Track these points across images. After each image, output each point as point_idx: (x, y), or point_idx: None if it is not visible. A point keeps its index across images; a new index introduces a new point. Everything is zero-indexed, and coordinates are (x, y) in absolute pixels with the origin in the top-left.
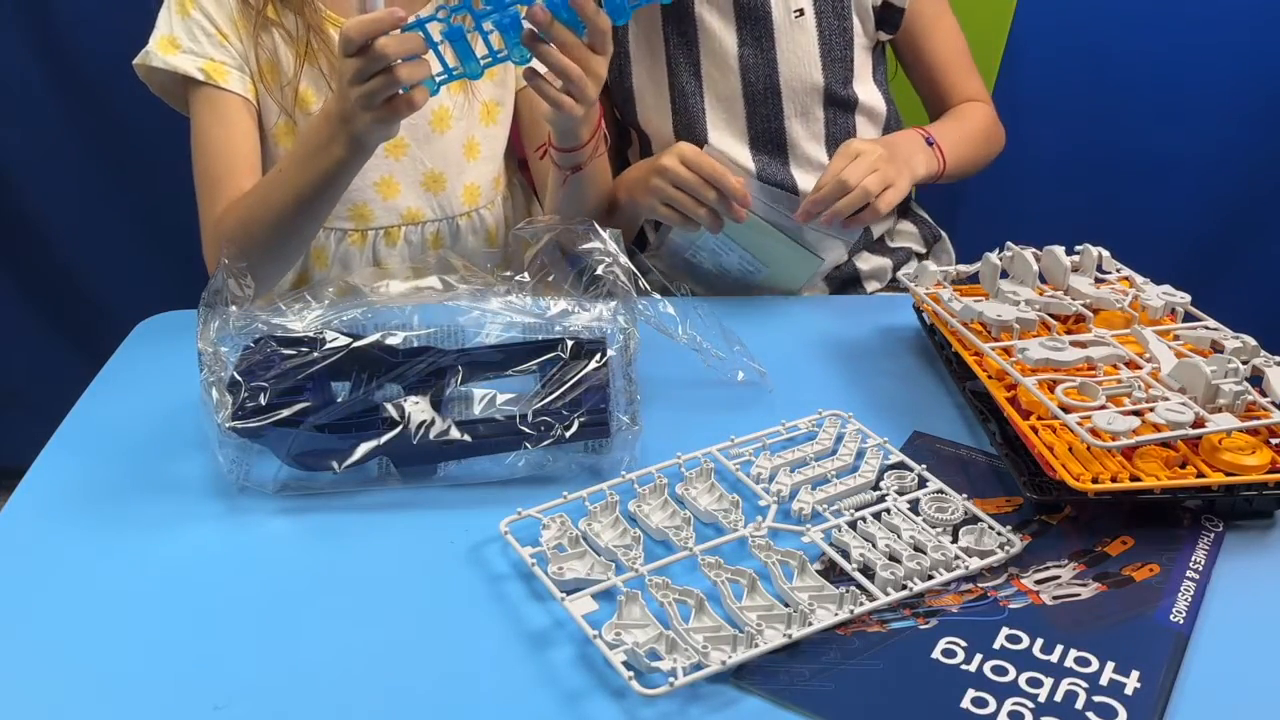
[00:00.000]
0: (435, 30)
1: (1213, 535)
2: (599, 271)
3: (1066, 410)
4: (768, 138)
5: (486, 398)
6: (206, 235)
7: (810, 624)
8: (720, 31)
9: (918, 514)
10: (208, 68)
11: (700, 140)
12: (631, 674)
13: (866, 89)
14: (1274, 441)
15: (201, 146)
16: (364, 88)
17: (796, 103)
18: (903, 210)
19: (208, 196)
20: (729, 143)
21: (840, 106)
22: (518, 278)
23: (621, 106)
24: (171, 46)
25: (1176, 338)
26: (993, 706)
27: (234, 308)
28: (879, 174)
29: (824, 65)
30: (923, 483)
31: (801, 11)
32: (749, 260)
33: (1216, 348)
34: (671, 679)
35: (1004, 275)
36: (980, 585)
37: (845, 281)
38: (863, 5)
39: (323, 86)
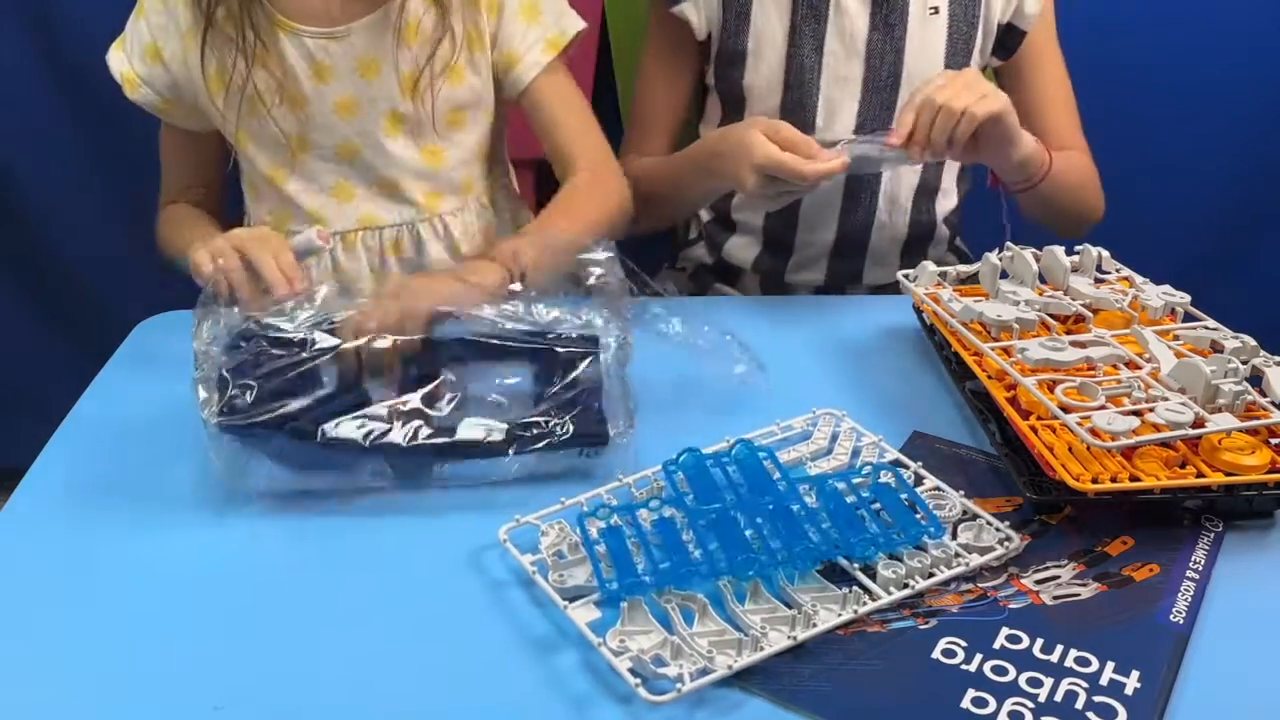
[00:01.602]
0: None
1: (1213, 535)
2: (591, 282)
3: (1066, 410)
4: (875, 127)
5: (482, 399)
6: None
7: (814, 625)
8: (854, 11)
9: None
10: (125, 74)
11: (809, 119)
12: (638, 681)
13: None
14: (1274, 441)
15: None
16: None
17: None
18: (950, 244)
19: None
20: (836, 128)
21: None
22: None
23: (723, 67)
24: (119, 44)
25: (1176, 338)
26: (993, 706)
27: (233, 308)
28: (972, 90)
29: (946, 66)
30: (919, 480)
31: (937, 10)
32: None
33: (1216, 348)
34: (679, 685)
35: (1004, 275)
36: (980, 585)
37: None
38: (990, 20)
39: (273, 88)
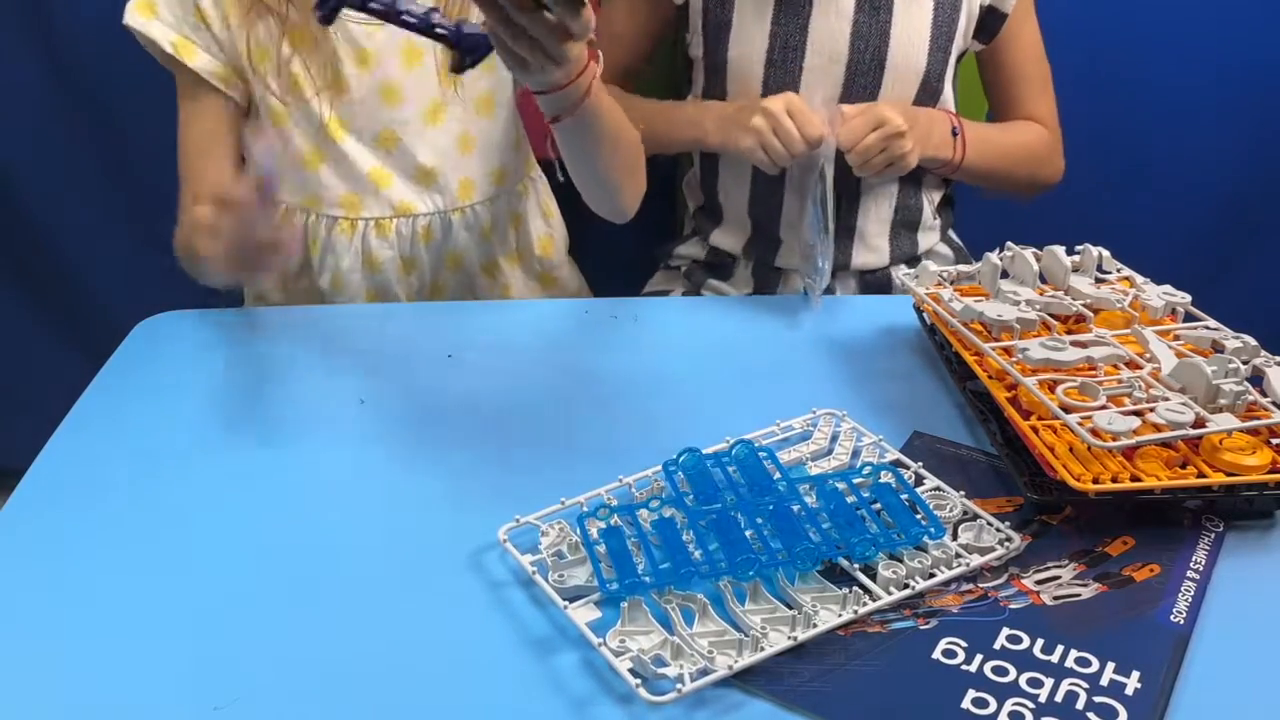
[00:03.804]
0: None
1: (1213, 535)
2: None
3: (1067, 410)
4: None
5: None
6: (179, 218)
7: (814, 625)
8: None
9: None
10: (177, 42)
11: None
12: (638, 681)
13: (949, 90)
14: (1274, 441)
15: (180, 129)
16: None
17: (896, 81)
18: (943, 234)
19: (181, 178)
20: (817, 106)
21: (930, 97)
22: None
23: (710, 37)
24: (148, 10)
25: (1177, 338)
26: (993, 707)
27: None
28: (886, 154)
29: (930, 51)
30: (919, 481)
31: None
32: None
33: (1217, 348)
34: (679, 685)
35: (1004, 275)
36: (981, 586)
37: (879, 287)
38: (973, 3)
39: (320, 71)
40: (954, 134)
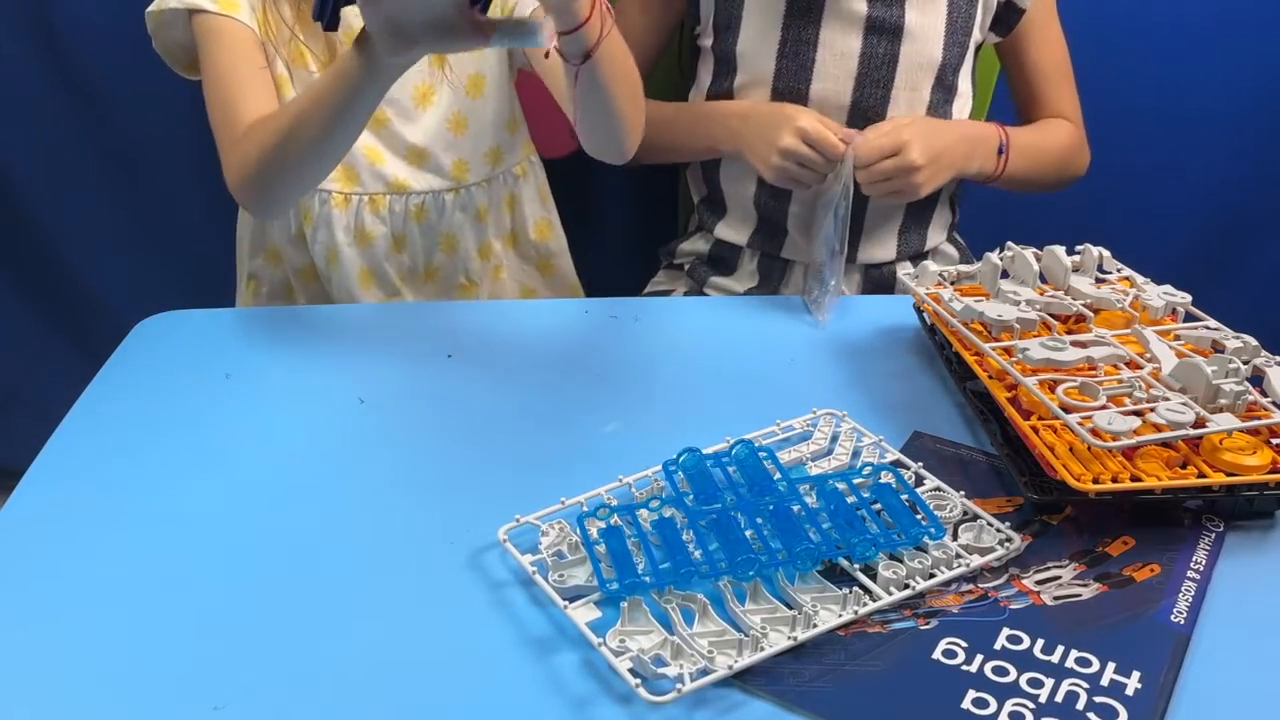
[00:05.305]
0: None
1: (1213, 535)
2: None
3: (1067, 410)
4: (870, 105)
5: None
6: (227, 155)
7: (814, 626)
8: None
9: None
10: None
11: (801, 90)
12: (638, 681)
13: (966, 83)
14: (1275, 441)
15: (213, 73)
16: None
17: (910, 75)
18: (950, 233)
19: (224, 119)
20: (829, 102)
21: (945, 91)
22: None
23: (720, 29)
24: None
25: (1177, 338)
26: (993, 707)
27: None
28: (893, 183)
29: (945, 45)
30: (920, 481)
31: None
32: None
33: (1217, 348)
34: (679, 685)
35: (1004, 275)
36: (981, 586)
37: (884, 282)
38: None
39: (319, 49)
40: (1000, 152)
